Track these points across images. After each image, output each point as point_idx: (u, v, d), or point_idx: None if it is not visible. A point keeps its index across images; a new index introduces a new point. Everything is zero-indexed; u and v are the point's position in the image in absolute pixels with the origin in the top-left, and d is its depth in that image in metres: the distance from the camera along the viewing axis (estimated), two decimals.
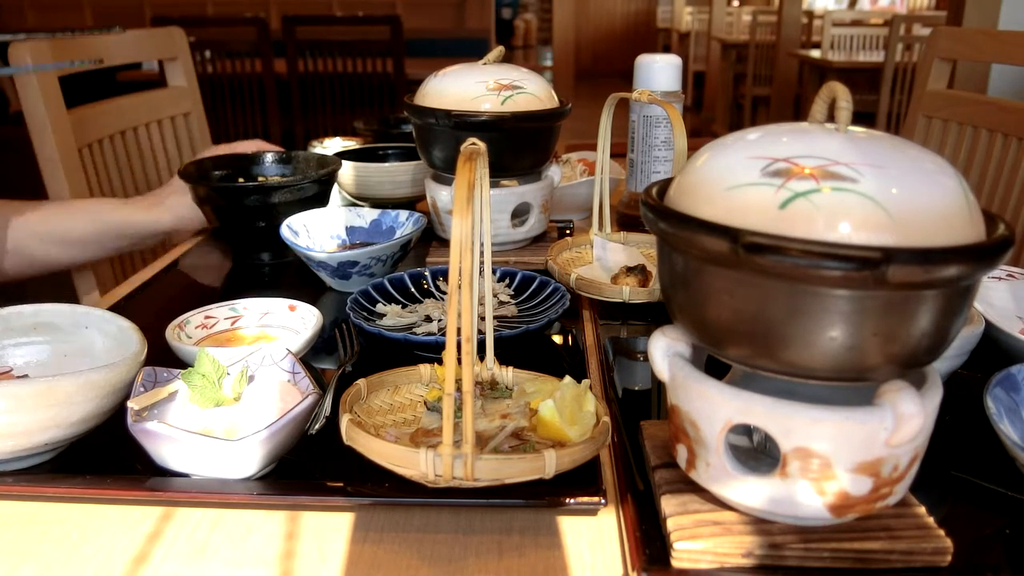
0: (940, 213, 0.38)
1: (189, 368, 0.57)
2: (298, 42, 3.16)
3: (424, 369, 0.60)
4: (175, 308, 0.73)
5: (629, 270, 0.81)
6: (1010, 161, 1.20)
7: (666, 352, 0.47)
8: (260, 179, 1.05)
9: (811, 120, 0.42)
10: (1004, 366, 0.58)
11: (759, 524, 0.45)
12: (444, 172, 0.95)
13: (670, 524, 0.45)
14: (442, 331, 0.73)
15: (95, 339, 0.64)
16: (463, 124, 0.86)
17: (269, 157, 1.07)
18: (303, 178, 0.95)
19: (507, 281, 0.83)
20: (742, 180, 0.40)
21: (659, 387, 0.62)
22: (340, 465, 0.54)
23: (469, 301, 0.42)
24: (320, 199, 0.99)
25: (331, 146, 1.22)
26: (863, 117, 3.84)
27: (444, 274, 0.85)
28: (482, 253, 0.57)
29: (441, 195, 0.95)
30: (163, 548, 0.48)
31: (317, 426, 0.57)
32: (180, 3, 4.49)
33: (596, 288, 0.78)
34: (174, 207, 1.03)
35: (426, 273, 0.84)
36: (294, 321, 0.73)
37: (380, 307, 0.78)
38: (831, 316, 0.38)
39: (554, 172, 0.99)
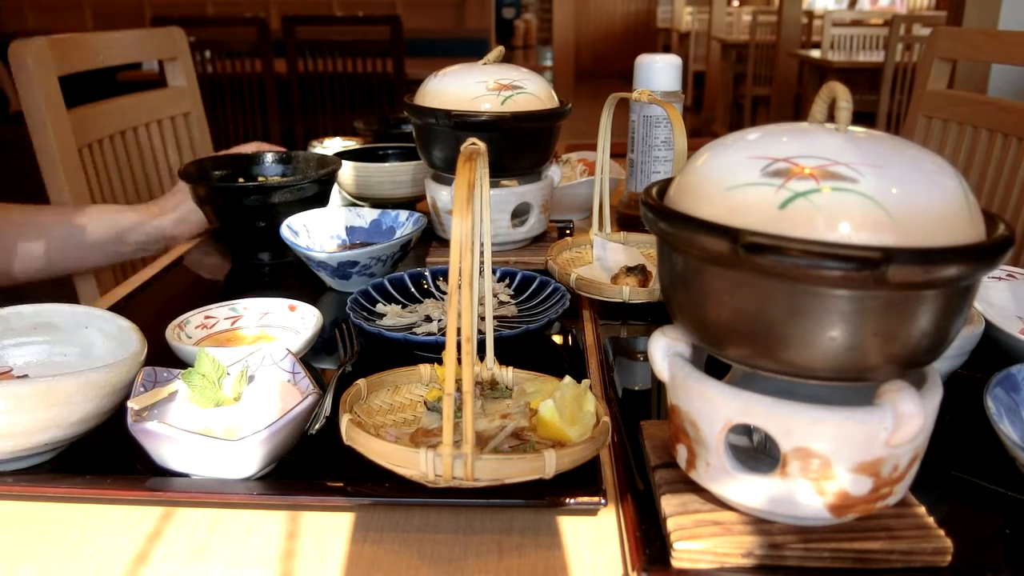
0: (940, 213, 0.38)
1: (189, 368, 0.57)
2: (298, 42, 3.16)
3: (424, 369, 0.60)
4: (175, 308, 0.73)
5: (629, 270, 0.81)
6: (1010, 161, 1.20)
7: (666, 352, 0.47)
8: (260, 179, 1.05)
9: (811, 120, 0.42)
10: (1004, 366, 0.58)
11: (759, 524, 0.45)
12: (444, 172, 0.95)
13: (670, 524, 0.45)
14: (442, 331, 0.73)
15: (95, 339, 0.64)
16: (463, 124, 0.86)
17: (269, 157, 1.07)
18: (303, 178, 0.95)
19: (507, 281, 0.83)
20: (742, 180, 0.40)
21: (659, 387, 0.62)
22: (340, 465, 0.54)
23: (469, 301, 0.43)
24: (320, 199, 0.98)
25: (331, 146, 1.22)
26: (863, 117, 3.84)
27: (444, 274, 0.85)
28: (482, 253, 0.57)
29: (441, 195, 0.95)
30: (163, 548, 0.48)
31: (317, 426, 0.57)
32: (180, 3, 4.49)
33: (596, 288, 0.78)
34: (175, 208, 1.03)
35: (426, 273, 0.84)
36: (294, 321, 0.73)
37: (380, 307, 0.78)
38: (831, 316, 0.38)
39: (554, 172, 0.99)
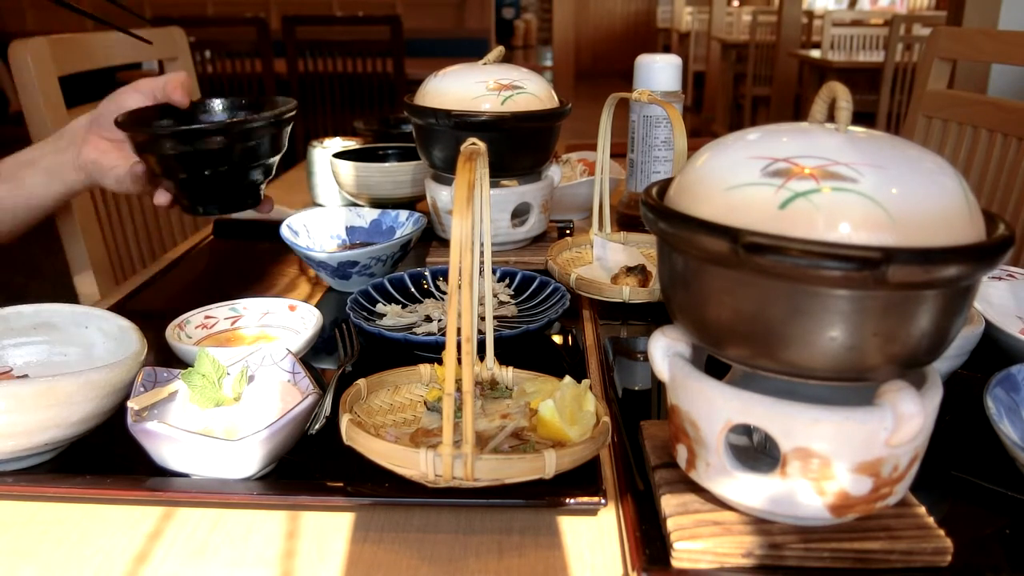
0: (940, 213, 0.38)
1: (189, 368, 0.57)
2: (298, 42, 3.16)
3: (424, 369, 0.60)
4: (175, 308, 0.73)
5: (629, 270, 0.81)
6: (1010, 161, 1.20)
7: (666, 352, 0.47)
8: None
9: (811, 120, 0.42)
10: (1004, 366, 0.58)
11: (759, 524, 0.45)
12: (444, 172, 0.95)
13: (670, 524, 0.45)
14: (442, 331, 0.73)
15: (95, 339, 0.64)
16: (463, 124, 0.86)
17: (218, 105, 0.90)
18: (255, 117, 0.80)
19: (507, 281, 0.83)
20: (742, 180, 0.40)
21: (659, 387, 0.62)
22: (340, 465, 0.54)
23: (469, 301, 0.43)
24: (274, 143, 0.83)
25: (331, 146, 1.22)
26: (863, 117, 3.84)
27: (444, 274, 0.85)
28: (482, 253, 0.57)
29: (441, 195, 0.95)
30: (163, 548, 0.48)
31: (317, 426, 0.57)
32: (180, 3, 4.49)
33: (596, 288, 0.78)
34: (83, 152, 0.84)
35: (426, 273, 0.84)
36: (294, 321, 0.73)
37: (380, 307, 0.78)
38: (831, 316, 0.38)
39: (554, 172, 0.99)
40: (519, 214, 0.95)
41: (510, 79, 0.90)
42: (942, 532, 0.44)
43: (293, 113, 0.84)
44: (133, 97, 0.84)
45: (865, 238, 0.36)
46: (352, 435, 0.48)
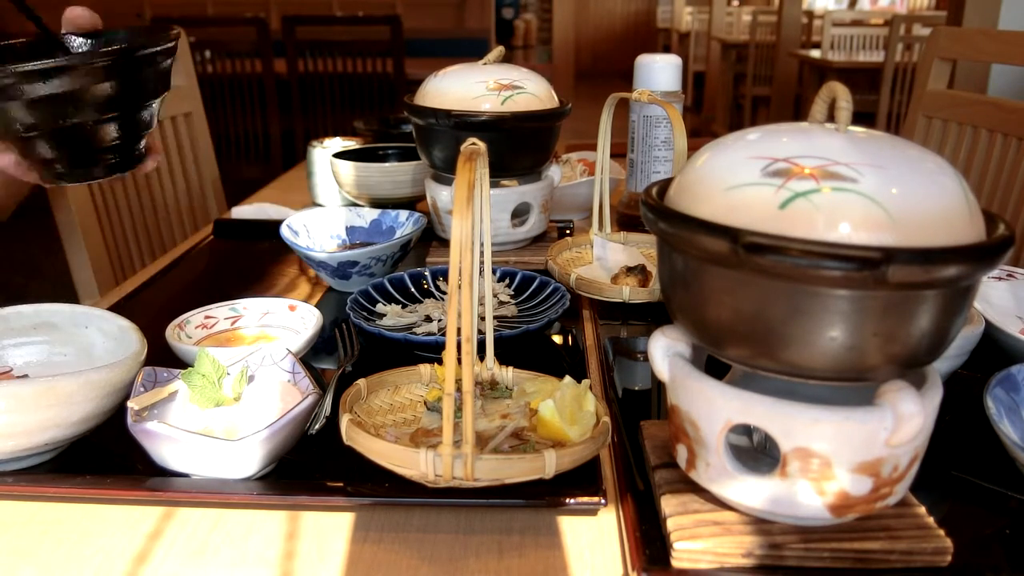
0: (940, 213, 0.38)
1: (189, 368, 0.57)
2: (298, 42, 3.16)
3: (424, 369, 0.60)
4: (175, 308, 0.73)
5: (629, 270, 0.81)
6: (1010, 161, 1.20)
7: (666, 352, 0.47)
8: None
9: (811, 120, 0.42)
10: (1004, 366, 0.58)
11: (759, 524, 0.45)
12: (444, 172, 0.95)
13: (670, 524, 0.45)
14: (442, 331, 0.73)
15: (95, 339, 0.64)
16: (463, 124, 0.86)
17: (79, 42, 0.74)
18: (92, 54, 0.65)
19: (507, 281, 0.83)
20: (742, 180, 0.40)
21: (659, 387, 0.62)
22: (340, 465, 0.54)
23: (469, 301, 0.42)
24: (143, 86, 0.67)
25: (331, 146, 1.22)
26: (863, 117, 3.84)
27: (444, 274, 0.85)
28: (482, 253, 0.57)
29: (441, 195, 0.95)
30: (163, 548, 0.48)
31: (317, 426, 0.57)
32: (180, 3, 4.49)
33: (596, 288, 0.78)
34: None
35: (426, 273, 0.84)
36: (294, 321, 0.73)
37: (380, 307, 0.78)
38: (831, 316, 0.38)
39: (554, 172, 0.99)
40: (519, 214, 0.95)
41: (510, 79, 0.90)
42: (942, 532, 0.44)
43: (162, 48, 0.67)
44: None
45: (865, 238, 0.36)
46: (352, 435, 0.48)
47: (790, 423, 0.41)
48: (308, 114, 3.31)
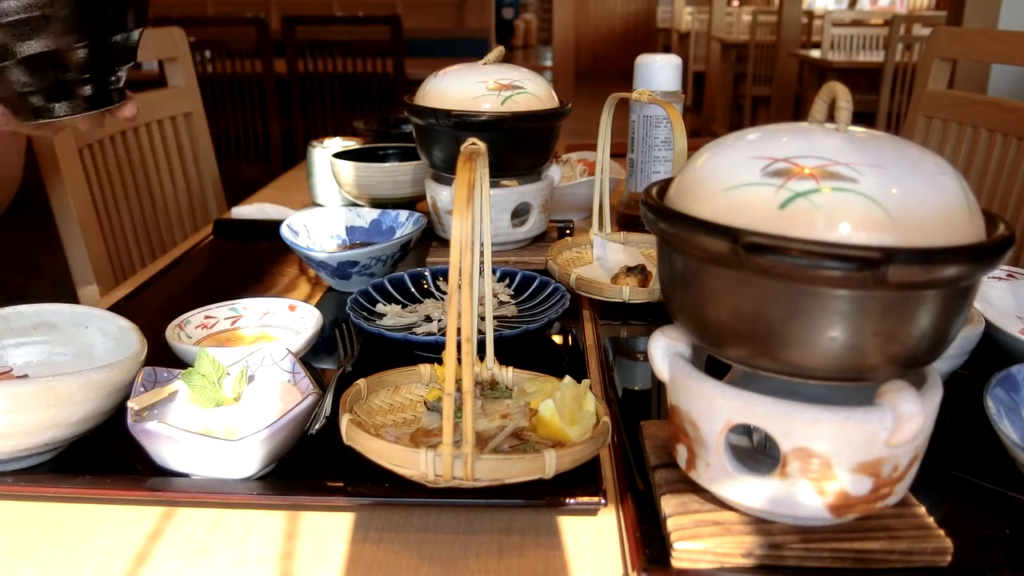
0: (940, 213, 0.38)
1: (189, 368, 0.57)
2: (298, 42, 3.16)
3: (424, 369, 0.60)
4: (175, 308, 0.73)
5: (629, 270, 0.81)
6: (1010, 161, 1.20)
7: (666, 352, 0.47)
8: None
9: (811, 120, 0.42)
10: (1004, 366, 0.58)
11: (759, 524, 0.45)
12: (444, 172, 0.95)
13: (670, 524, 0.45)
14: (442, 331, 0.73)
15: (95, 339, 0.64)
16: (463, 124, 0.86)
17: None
18: None
19: (507, 281, 0.83)
20: (742, 180, 0.40)
21: (659, 387, 0.62)
22: (340, 465, 0.54)
23: (469, 301, 0.42)
24: (121, 10, 0.66)
25: (331, 146, 1.22)
26: (863, 117, 3.83)
27: (444, 274, 0.85)
28: (482, 253, 0.57)
29: (441, 195, 0.95)
30: (163, 548, 0.48)
31: (317, 426, 0.57)
32: (180, 3, 4.49)
33: (596, 288, 0.78)
34: None
35: (426, 273, 0.84)
36: (294, 321, 0.73)
37: (380, 307, 0.78)
38: (831, 316, 0.38)
39: (554, 172, 0.99)
40: (519, 214, 0.95)
41: (510, 79, 0.90)
42: (942, 532, 0.44)
43: None
44: None
45: (865, 238, 0.36)
46: (352, 435, 0.48)
47: (790, 423, 0.41)
48: (308, 114, 3.31)
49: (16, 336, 0.64)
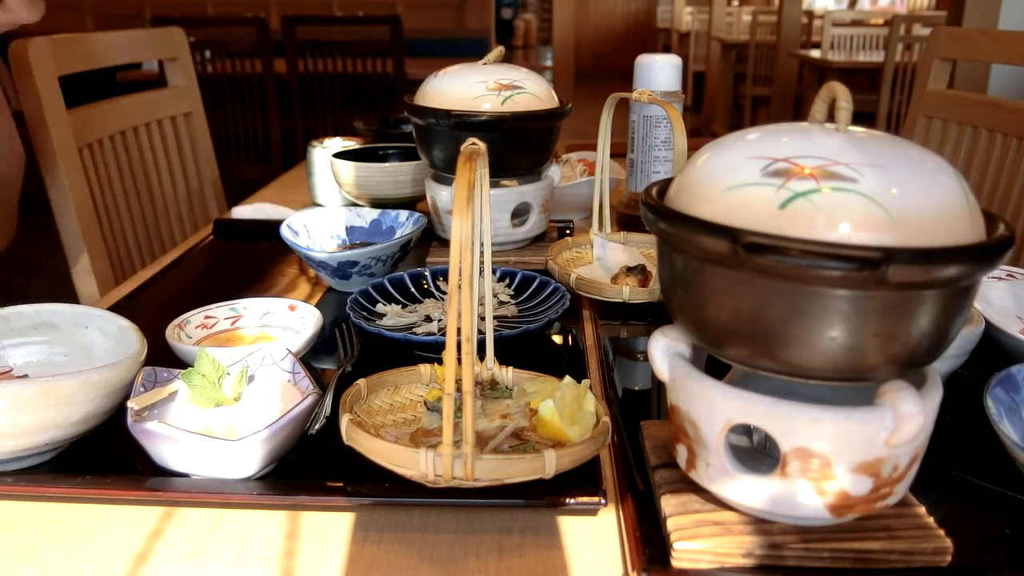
0: (940, 213, 0.38)
1: (189, 368, 0.57)
2: (298, 42, 3.16)
3: (424, 369, 0.60)
4: (175, 308, 0.73)
5: (629, 270, 0.81)
6: (1010, 161, 1.20)
7: (666, 352, 0.47)
8: None
9: (811, 120, 0.42)
10: (1004, 366, 0.58)
11: (759, 524, 0.45)
12: (444, 172, 0.95)
13: (670, 524, 0.45)
14: (442, 331, 0.73)
15: (95, 339, 0.64)
16: (463, 124, 0.86)
17: None
18: None
19: (507, 281, 0.83)
20: (742, 180, 0.40)
21: (659, 387, 0.62)
22: (340, 465, 0.54)
23: (469, 301, 0.43)
24: None
25: (331, 146, 1.22)
26: (863, 117, 3.83)
27: (444, 274, 0.85)
28: (482, 253, 0.57)
29: (441, 195, 0.95)
30: (163, 548, 0.48)
31: (317, 426, 0.57)
32: (180, 3, 4.49)
33: (596, 288, 0.78)
34: None
35: (426, 273, 0.84)
36: (294, 321, 0.73)
37: (380, 307, 0.78)
38: (831, 316, 0.38)
39: (554, 172, 0.99)
40: (519, 214, 0.95)
41: (510, 79, 0.90)
42: (942, 532, 0.44)
43: None
44: None
45: (865, 238, 0.36)
46: (352, 435, 0.48)
47: (790, 423, 0.41)
48: (308, 114, 3.31)
49: (16, 336, 0.64)
